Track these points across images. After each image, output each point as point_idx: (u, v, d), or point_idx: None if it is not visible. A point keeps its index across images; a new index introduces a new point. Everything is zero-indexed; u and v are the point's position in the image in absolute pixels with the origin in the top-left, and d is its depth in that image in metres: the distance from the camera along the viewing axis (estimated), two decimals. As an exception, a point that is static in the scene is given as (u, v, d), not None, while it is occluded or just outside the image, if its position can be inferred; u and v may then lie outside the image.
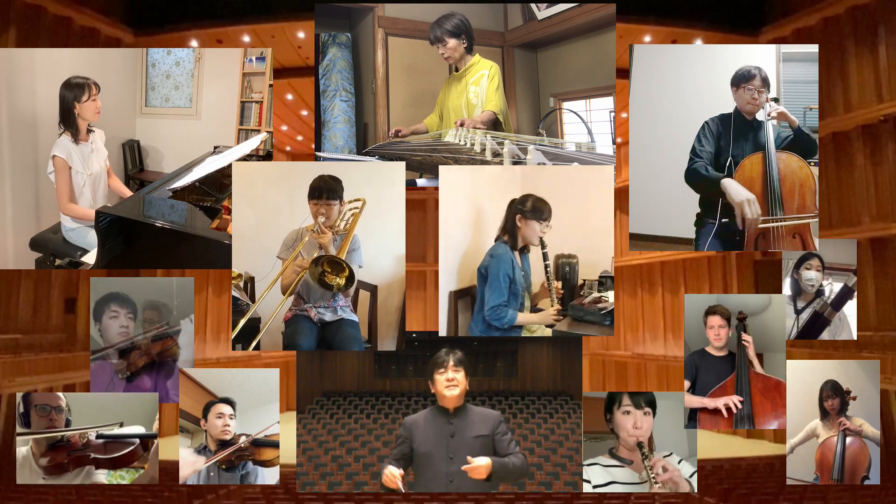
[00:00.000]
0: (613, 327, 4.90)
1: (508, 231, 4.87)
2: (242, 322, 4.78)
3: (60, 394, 4.71)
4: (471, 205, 5.28)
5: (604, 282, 5.09)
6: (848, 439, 4.72)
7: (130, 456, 4.41)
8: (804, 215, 4.86)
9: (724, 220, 4.78)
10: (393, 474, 2.93)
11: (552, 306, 4.87)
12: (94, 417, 4.50)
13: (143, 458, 4.49)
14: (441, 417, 3.09)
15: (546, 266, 4.86)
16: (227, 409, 4.31)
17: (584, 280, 5.15)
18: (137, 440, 4.44)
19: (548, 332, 4.94)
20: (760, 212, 4.68)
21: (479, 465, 2.90)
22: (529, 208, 4.79)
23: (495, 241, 4.92)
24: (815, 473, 4.79)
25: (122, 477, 4.48)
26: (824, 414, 4.83)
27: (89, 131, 5.56)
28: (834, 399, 4.79)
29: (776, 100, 4.91)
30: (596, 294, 5.00)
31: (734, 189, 4.71)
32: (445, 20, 6.50)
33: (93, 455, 4.30)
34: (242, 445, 4.23)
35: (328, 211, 4.70)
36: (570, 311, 4.93)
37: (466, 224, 5.27)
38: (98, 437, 4.37)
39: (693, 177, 4.87)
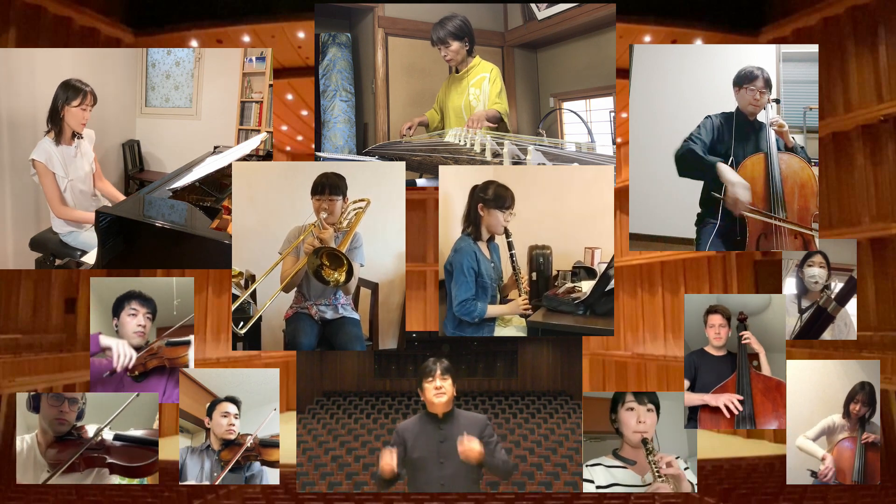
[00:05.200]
0: (585, 316, 4.80)
1: (472, 222, 4.76)
2: (248, 326, 4.76)
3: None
4: (443, 193, 5.23)
5: (577, 272, 5.07)
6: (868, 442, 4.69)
7: (149, 467, 4.27)
8: (805, 226, 4.86)
9: (713, 193, 4.82)
10: (389, 460, 3.08)
11: (519, 296, 4.79)
12: (92, 416, 4.43)
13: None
14: (431, 424, 3.23)
15: (512, 255, 4.76)
16: (232, 407, 4.27)
17: (558, 271, 5.13)
18: (156, 449, 4.33)
19: (522, 323, 4.89)
20: (749, 198, 4.75)
21: (472, 447, 3.05)
22: (491, 196, 4.67)
23: (461, 233, 4.83)
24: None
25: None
26: (846, 413, 4.72)
27: (75, 136, 5.46)
28: (864, 406, 4.68)
29: (777, 101, 4.91)
30: (569, 284, 4.98)
31: (729, 172, 4.79)
32: (448, 22, 6.48)
33: (109, 459, 4.17)
34: (250, 445, 4.20)
35: (331, 206, 4.67)
36: (545, 302, 4.88)
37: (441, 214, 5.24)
38: (116, 438, 4.25)
39: (687, 157, 4.83)
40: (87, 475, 4.18)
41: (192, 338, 4.80)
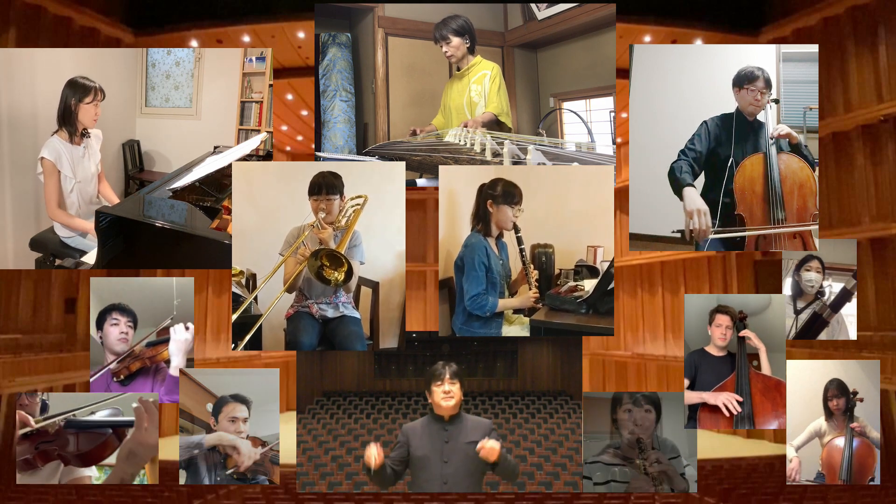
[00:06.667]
0: (588, 314, 4.80)
1: (481, 218, 4.79)
2: (239, 311, 4.77)
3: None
4: (444, 193, 5.23)
5: (580, 270, 5.08)
6: (855, 441, 4.69)
7: (101, 450, 3.95)
8: (803, 224, 4.86)
9: (673, 232, 4.86)
10: (372, 453, 3.07)
11: (530, 290, 4.83)
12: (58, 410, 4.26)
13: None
14: (437, 424, 3.26)
15: (521, 251, 4.79)
16: (241, 411, 4.12)
17: (561, 269, 5.14)
18: (110, 430, 4.00)
19: (525, 322, 4.90)
20: (710, 224, 4.72)
21: (494, 446, 3.05)
22: (500, 192, 4.72)
23: (471, 230, 4.85)
24: (820, 471, 4.76)
25: (99, 478, 4.13)
26: (829, 414, 4.76)
27: (84, 135, 5.48)
28: (839, 399, 4.71)
29: (777, 101, 4.91)
30: (572, 283, 4.99)
31: (689, 198, 4.77)
32: (451, 20, 6.55)
33: (58, 451, 3.93)
34: (259, 459, 4.09)
35: (328, 206, 4.71)
36: (547, 300, 4.89)
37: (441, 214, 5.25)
38: (67, 425, 3.98)
39: (670, 177, 4.92)
40: (49, 471, 4.02)
41: (170, 336, 4.80)
